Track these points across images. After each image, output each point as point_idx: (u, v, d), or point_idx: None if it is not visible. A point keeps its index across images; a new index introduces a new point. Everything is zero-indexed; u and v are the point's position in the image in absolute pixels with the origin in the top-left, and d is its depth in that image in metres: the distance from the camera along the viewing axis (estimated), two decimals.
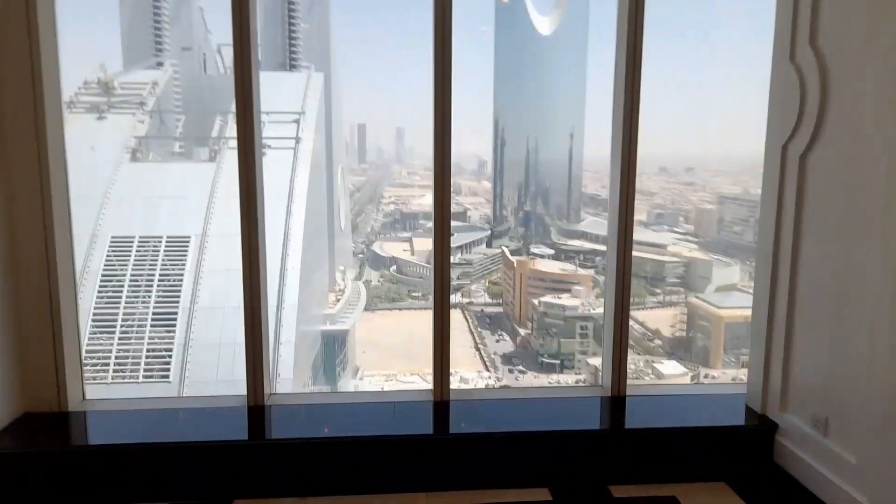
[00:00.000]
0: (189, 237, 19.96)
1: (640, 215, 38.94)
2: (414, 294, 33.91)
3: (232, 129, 22.77)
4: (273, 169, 22.02)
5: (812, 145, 2.75)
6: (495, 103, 36.99)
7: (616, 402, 3.30)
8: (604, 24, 44.29)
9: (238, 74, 2.90)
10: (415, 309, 32.84)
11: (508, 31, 37.32)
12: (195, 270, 19.40)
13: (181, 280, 19.47)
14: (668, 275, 30.09)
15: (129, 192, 21.07)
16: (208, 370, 17.73)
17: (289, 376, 18.79)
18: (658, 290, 30.08)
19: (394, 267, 35.69)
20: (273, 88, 25.89)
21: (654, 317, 29.22)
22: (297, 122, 23.28)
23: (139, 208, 20.85)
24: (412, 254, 35.37)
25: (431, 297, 3.19)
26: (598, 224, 35.04)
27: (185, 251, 19.85)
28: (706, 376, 27.04)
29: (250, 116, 2.88)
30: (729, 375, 27.23)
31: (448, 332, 3.17)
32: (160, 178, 22.16)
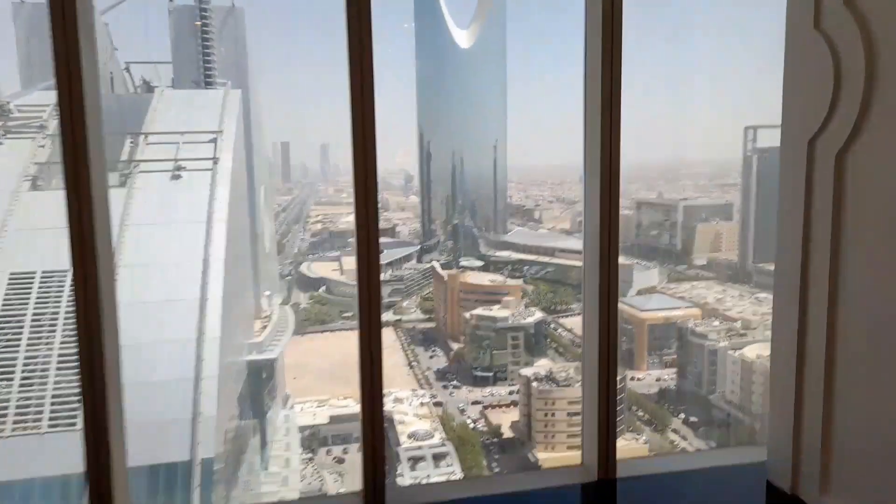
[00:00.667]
0: None
1: (563, 224, 40.49)
2: (345, 315, 33.38)
3: (145, 152, 21.84)
4: (190, 192, 21.12)
5: (853, 139, 2.08)
6: (419, 117, 37.41)
7: (603, 490, 2.54)
8: (520, 37, 45.84)
9: (63, 83, 2.23)
10: (346, 329, 32.30)
11: (429, 45, 37.91)
12: None
13: None
14: None
15: (29, 224, 19.53)
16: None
17: (212, 413, 17.86)
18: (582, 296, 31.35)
19: (323, 288, 35.08)
20: (187, 106, 24.92)
21: (580, 323, 30.57)
22: (214, 141, 22.42)
23: (41, 241, 19.35)
24: (342, 273, 34.90)
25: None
26: (524, 234, 36.00)
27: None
28: (632, 378, 28.15)
29: (80, 133, 2.27)
30: (653, 376, 28.52)
31: (380, 405, 2.50)
32: (64, 206, 20.71)
